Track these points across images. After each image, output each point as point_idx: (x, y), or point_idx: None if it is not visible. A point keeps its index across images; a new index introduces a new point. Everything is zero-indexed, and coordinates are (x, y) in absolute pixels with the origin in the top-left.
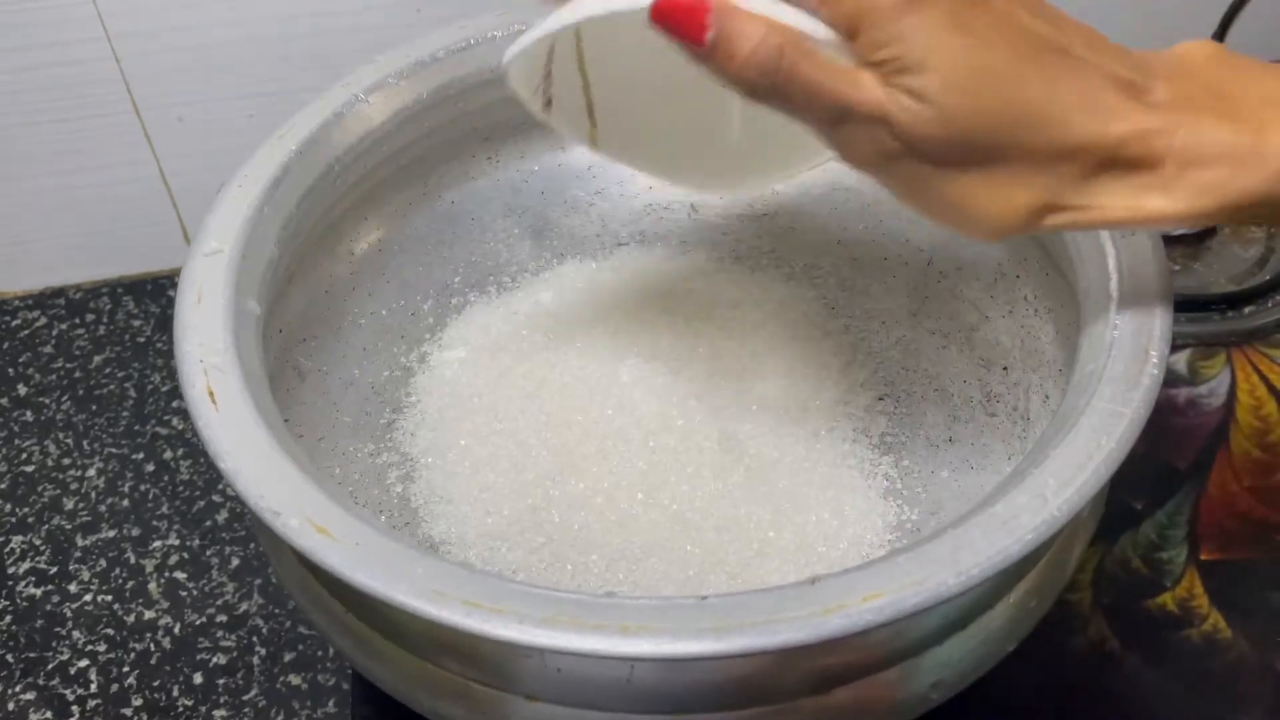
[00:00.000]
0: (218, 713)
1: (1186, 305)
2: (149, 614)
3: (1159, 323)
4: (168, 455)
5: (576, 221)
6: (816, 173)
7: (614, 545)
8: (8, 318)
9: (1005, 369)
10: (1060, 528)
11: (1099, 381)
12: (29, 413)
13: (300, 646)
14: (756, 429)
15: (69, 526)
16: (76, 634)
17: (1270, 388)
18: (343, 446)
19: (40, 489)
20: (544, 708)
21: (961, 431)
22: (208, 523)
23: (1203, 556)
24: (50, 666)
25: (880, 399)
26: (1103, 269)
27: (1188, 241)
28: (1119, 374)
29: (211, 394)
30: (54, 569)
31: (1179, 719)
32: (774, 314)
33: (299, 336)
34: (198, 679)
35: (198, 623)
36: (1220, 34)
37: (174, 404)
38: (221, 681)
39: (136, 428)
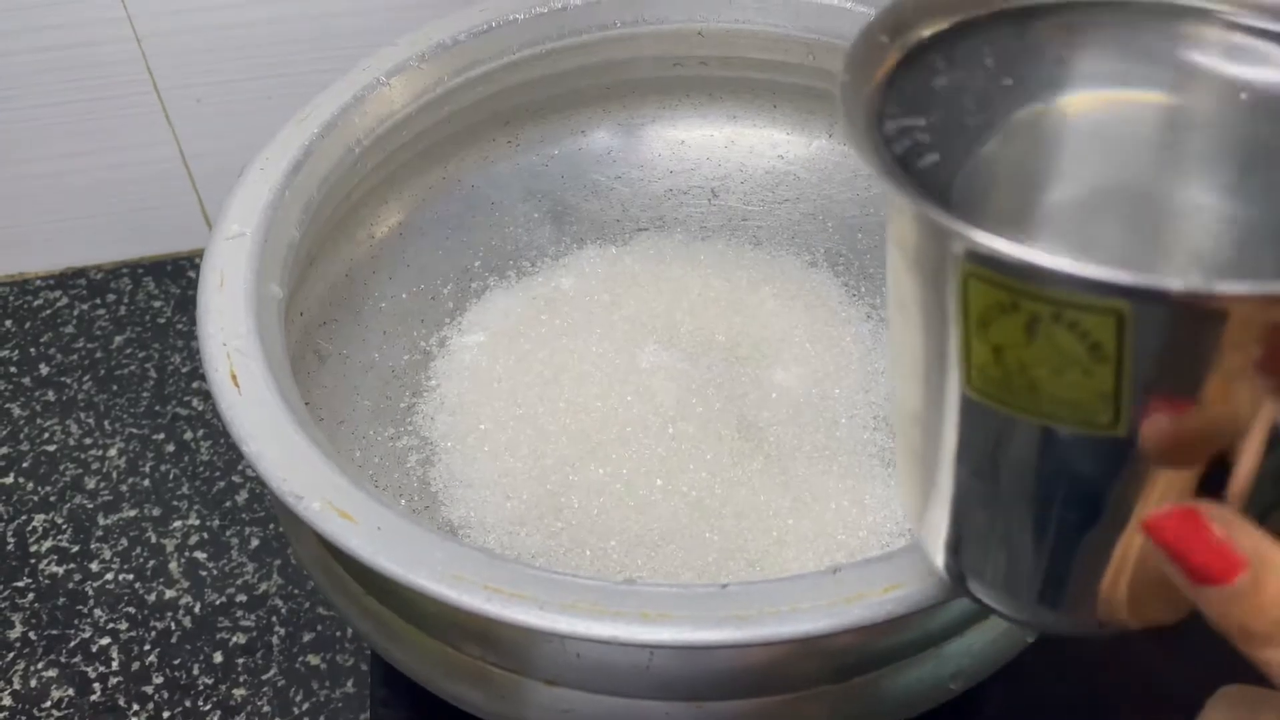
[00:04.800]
0: (237, 691)
1: None
2: (170, 593)
3: None
4: (188, 436)
5: (597, 206)
6: (837, 157)
7: (633, 531)
8: (29, 298)
9: None
10: None
11: None
12: (51, 392)
13: (319, 627)
14: (776, 416)
15: (90, 506)
16: (98, 612)
17: None
18: (363, 430)
19: (62, 468)
20: (563, 693)
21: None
22: (228, 503)
23: None
24: (72, 644)
25: None
26: None
27: None
28: None
29: (235, 377)
30: (76, 548)
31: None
32: (794, 300)
33: (319, 320)
34: (218, 658)
35: (218, 602)
36: None
37: (194, 385)
38: (241, 661)
39: (157, 408)
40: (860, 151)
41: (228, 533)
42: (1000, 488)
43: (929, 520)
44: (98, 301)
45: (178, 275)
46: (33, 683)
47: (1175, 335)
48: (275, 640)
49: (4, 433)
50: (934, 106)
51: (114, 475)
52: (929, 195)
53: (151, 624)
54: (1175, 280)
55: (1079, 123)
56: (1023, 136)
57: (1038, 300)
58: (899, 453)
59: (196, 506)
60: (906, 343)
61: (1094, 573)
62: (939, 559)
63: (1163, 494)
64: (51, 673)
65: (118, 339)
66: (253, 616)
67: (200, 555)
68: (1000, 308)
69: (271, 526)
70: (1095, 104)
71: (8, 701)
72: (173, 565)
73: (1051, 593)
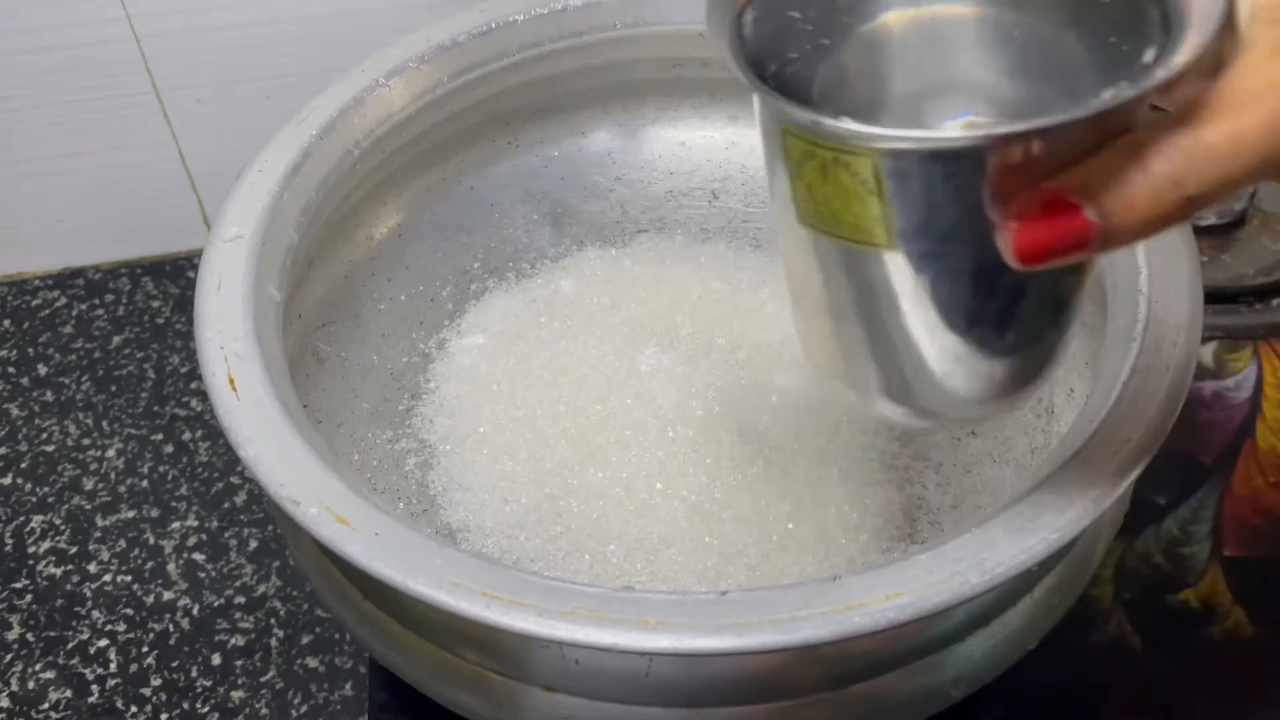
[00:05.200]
0: (235, 694)
1: (1213, 297)
2: (168, 595)
3: (1190, 317)
4: (186, 436)
5: (596, 207)
6: None
7: (632, 535)
8: (28, 297)
9: None
10: (1085, 527)
11: (1127, 377)
12: (49, 392)
13: (318, 629)
14: (776, 420)
15: (89, 507)
16: (96, 614)
17: None
18: (361, 433)
19: (60, 469)
20: (561, 699)
21: (984, 424)
22: (226, 504)
23: (1226, 553)
24: (70, 646)
25: None
26: (1132, 261)
27: (1215, 233)
28: (1147, 369)
29: (232, 381)
30: (74, 549)
31: (1200, 717)
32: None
33: (318, 322)
34: (216, 660)
35: (216, 604)
36: None
37: (193, 385)
38: (239, 663)
39: (155, 409)
40: (719, 46)
41: (226, 534)
42: (839, 302)
43: (816, 349)
44: (96, 302)
45: (177, 275)
46: (30, 684)
47: (909, 173)
48: (274, 642)
49: (2, 433)
50: (783, 29)
51: (112, 476)
52: (784, 88)
53: (150, 626)
54: (892, 132)
55: (898, 32)
56: (859, 46)
57: (825, 149)
58: (791, 305)
59: (195, 508)
60: (774, 198)
61: (916, 362)
62: (836, 380)
63: (949, 285)
64: (49, 674)
65: (116, 339)
66: (251, 618)
67: (199, 557)
68: (806, 155)
69: (270, 528)
70: (911, 17)
71: (5, 703)
72: (171, 567)
73: (897, 386)
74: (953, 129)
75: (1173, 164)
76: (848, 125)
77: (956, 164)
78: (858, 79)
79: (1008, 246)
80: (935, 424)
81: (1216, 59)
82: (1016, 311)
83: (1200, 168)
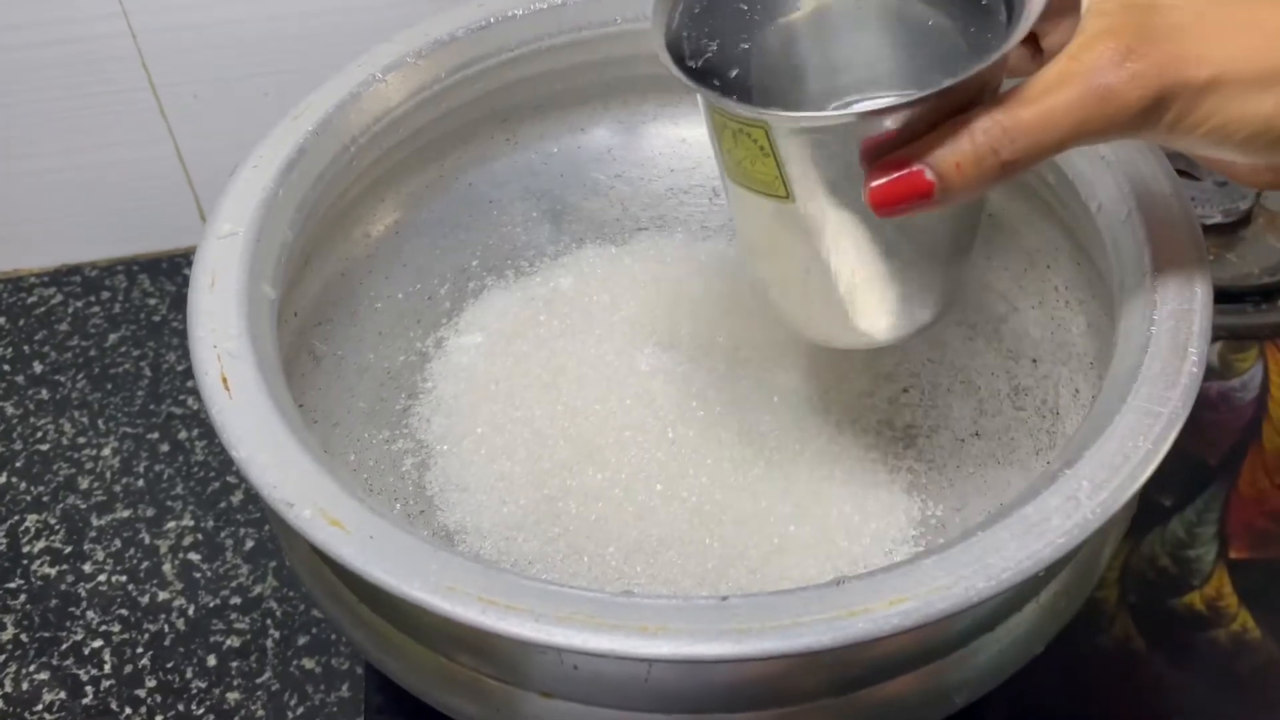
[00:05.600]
0: (231, 695)
1: (1219, 297)
2: (163, 595)
3: (1199, 318)
4: (182, 435)
5: (596, 205)
6: None
7: (632, 537)
8: (24, 295)
9: (1034, 361)
10: (1093, 532)
11: (1136, 380)
12: (44, 390)
13: (314, 630)
14: (777, 421)
15: (84, 506)
16: (90, 614)
17: None
18: (358, 432)
19: (55, 468)
20: (559, 705)
21: (988, 425)
22: (222, 504)
23: (1232, 555)
24: (64, 647)
25: (905, 391)
26: (1140, 261)
27: (1221, 231)
28: (1157, 372)
29: (225, 381)
30: (68, 548)
31: None
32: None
33: (314, 320)
34: (211, 661)
35: (211, 604)
36: None
37: (189, 383)
38: (235, 664)
39: (151, 407)
40: (655, 37)
41: (222, 534)
42: (764, 243)
43: (758, 285)
44: (92, 299)
45: (173, 272)
46: (24, 685)
47: (792, 142)
48: (270, 643)
49: None
50: (713, 22)
51: (107, 475)
52: (720, 67)
53: (144, 626)
54: (768, 113)
55: (808, 20)
56: (778, 32)
57: (732, 121)
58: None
59: (191, 507)
60: (717, 160)
61: (828, 293)
62: (778, 312)
63: (824, 224)
64: (43, 675)
65: (112, 337)
66: (247, 619)
67: (194, 557)
68: (723, 126)
69: (266, 528)
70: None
71: None
72: (166, 567)
73: (820, 316)
74: (828, 108)
75: (991, 137)
76: (737, 106)
77: (825, 135)
78: (782, 57)
79: (867, 199)
80: (864, 345)
81: (1065, 41)
82: (902, 249)
83: (1013, 140)
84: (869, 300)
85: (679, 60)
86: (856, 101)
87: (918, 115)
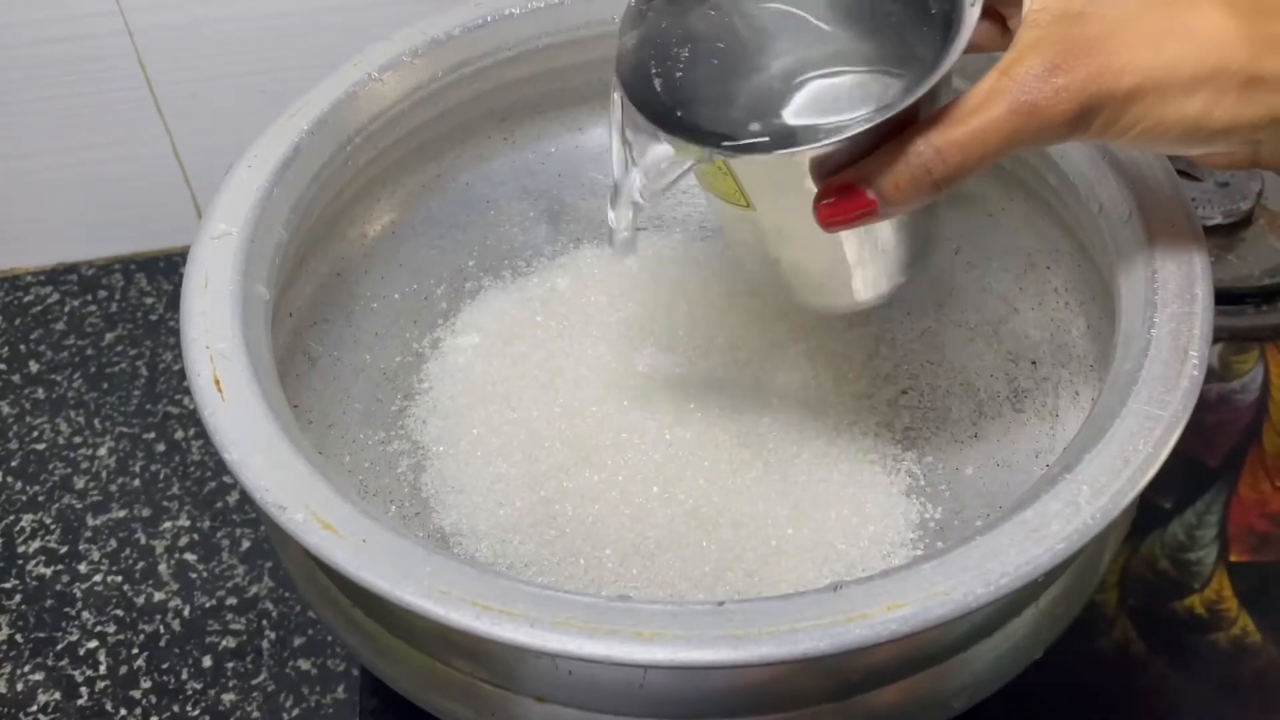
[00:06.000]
0: (226, 696)
1: (1220, 298)
2: (159, 595)
3: (1199, 322)
4: (179, 435)
5: (594, 205)
6: None
7: (628, 540)
8: (20, 293)
9: (1034, 363)
10: (1093, 537)
11: (1136, 382)
12: (40, 390)
13: (310, 631)
14: (775, 422)
15: (79, 506)
16: (86, 614)
17: None
18: (353, 434)
19: (51, 467)
20: (554, 710)
21: (987, 427)
22: (218, 504)
23: (1232, 558)
24: (59, 647)
25: (904, 393)
26: (1140, 263)
27: (1222, 232)
28: (1157, 375)
29: (218, 383)
30: (64, 548)
31: None
32: (795, 304)
33: (310, 320)
34: (206, 662)
35: (207, 605)
36: None
37: (185, 383)
38: (230, 665)
39: (148, 406)
40: (615, 88)
41: (218, 534)
42: (740, 240)
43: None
44: (89, 298)
45: (170, 271)
46: (19, 686)
47: (743, 168)
48: (265, 644)
49: None
50: (679, 33)
51: (103, 475)
52: (667, 94)
53: (140, 627)
54: (717, 150)
55: (751, 24)
56: (722, 41)
57: (696, 150)
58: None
59: (187, 507)
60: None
61: (797, 279)
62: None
63: (787, 228)
64: (38, 676)
65: (109, 336)
66: (243, 620)
67: (190, 557)
68: (690, 152)
69: (262, 529)
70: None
71: None
72: (162, 567)
73: (799, 293)
74: (789, 119)
75: (925, 159)
76: (690, 146)
77: (771, 163)
78: (743, 64)
79: (816, 218)
80: (846, 310)
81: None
82: (849, 247)
83: (945, 159)
84: (840, 278)
85: (644, 85)
86: (817, 117)
87: (859, 141)
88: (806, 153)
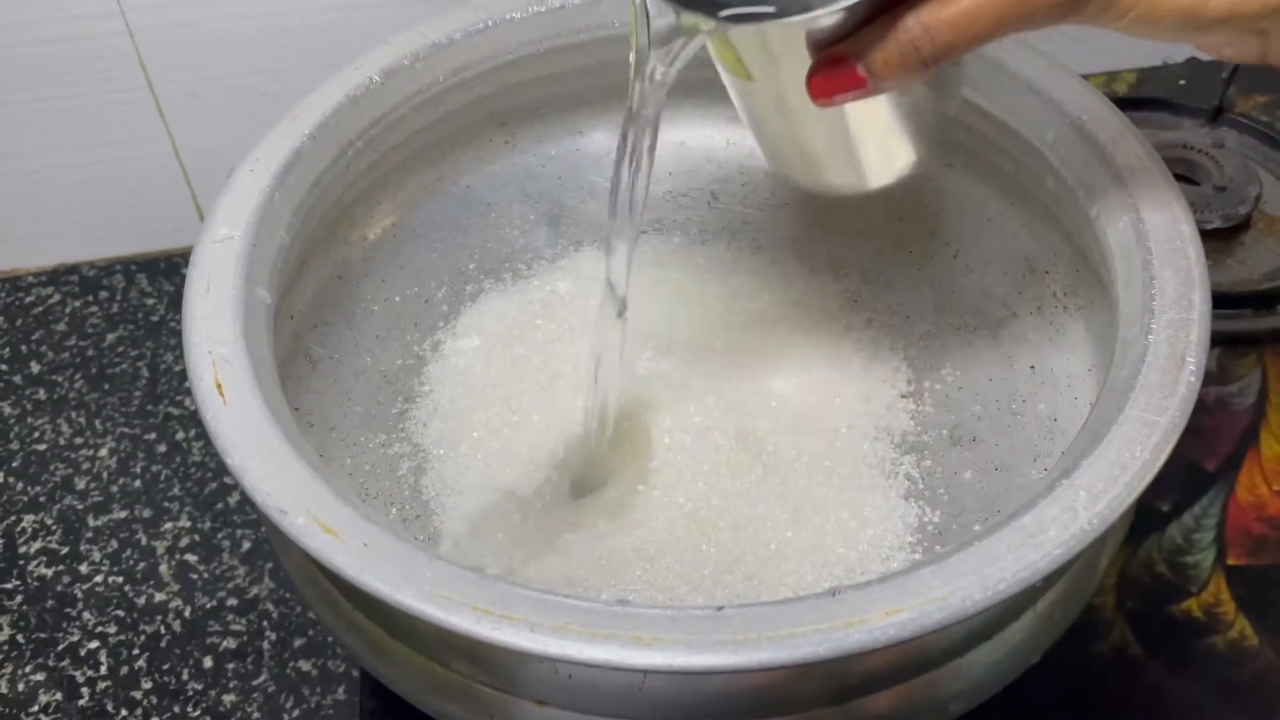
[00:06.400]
0: (227, 697)
1: (1218, 302)
2: (160, 596)
3: (1197, 328)
4: (180, 436)
5: (594, 208)
6: None
7: (628, 543)
8: (21, 294)
9: (1032, 368)
10: (1091, 542)
11: (1133, 389)
12: (41, 391)
13: (311, 632)
14: (775, 426)
15: (80, 506)
16: (87, 615)
17: None
18: (354, 436)
19: (52, 468)
20: (553, 713)
21: (986, 432)
22: (219, 505)
23: (1230, 561)
24: (60, 648)
25: (903, 397)
26: (1138, 268)
27: (1220, 237)
28: (1154, 381)
29: (220, 386)
30: (65, 549)
31: None
32: (795, 307)
33: (311, 323)
34: (207, 663)
35: (208, 606)
36: None
37: (186, 384)
38: (231, 666)
39: (149, 407)
40: None
41: (219, 535)
42: (750, 113)
43: (759, 145)
44: (90, 299)
45: (171, 272)
46: (20, 686)
47: (741, 41)
48: (266, 645)
49: None
50: None
51: (104, 475)
52: None
53: (141, 628)
54: (708, 19)
55: None
56: None
57: (692, 19)
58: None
59: (188, 508)
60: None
61: (800, 153)
62: (776, 166)
63: (788, 101)
64: (39, 676)
65: (110, 337)
66: (244, 621)
67: (191, 558)
68: (690, 21)
69: (263, 529)
70: None
71: None
72: (163, 568)
73: (800, 169)
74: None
75: (913, 35)
76: (686, 13)
77: (770, 35)
78: None
79: (808, 90)
80: (855, 192)
81: None
82: (850, 124)
83: (933, 37)
84: (843, 156)
85: None
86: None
87: (855, 14)
88: (797, 23)
